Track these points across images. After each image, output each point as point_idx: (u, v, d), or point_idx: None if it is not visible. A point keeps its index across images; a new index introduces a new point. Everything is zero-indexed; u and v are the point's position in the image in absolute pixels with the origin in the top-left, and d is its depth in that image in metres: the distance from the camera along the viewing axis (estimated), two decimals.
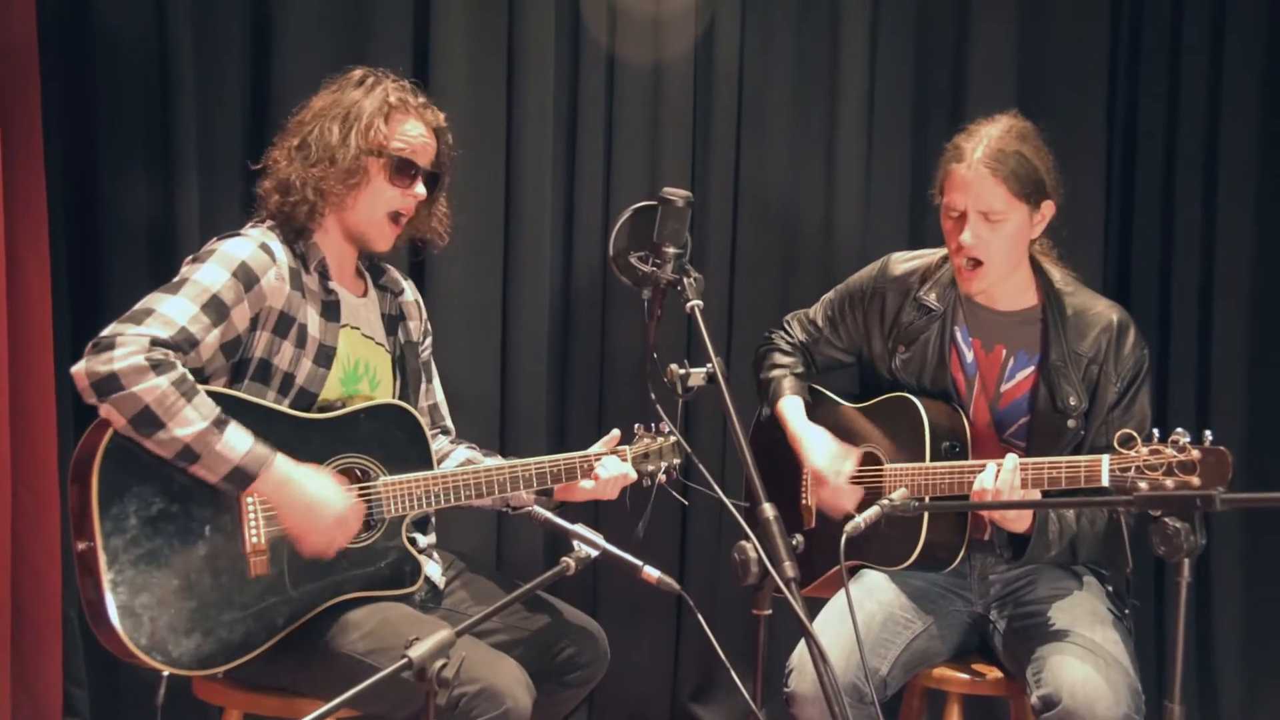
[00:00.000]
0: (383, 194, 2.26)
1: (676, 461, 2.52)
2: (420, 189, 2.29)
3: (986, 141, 2.34)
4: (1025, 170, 2.33)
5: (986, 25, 3.35)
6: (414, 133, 2.28)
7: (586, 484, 2.39)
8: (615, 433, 2.47)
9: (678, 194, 2.06)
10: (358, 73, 2.30)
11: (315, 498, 2.10)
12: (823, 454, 2.50)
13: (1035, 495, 2.28)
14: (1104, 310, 2.45)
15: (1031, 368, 2.45)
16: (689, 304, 2.03)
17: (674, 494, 2.51)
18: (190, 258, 2.18)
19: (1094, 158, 3.38)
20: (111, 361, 1.98)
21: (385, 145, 2.24)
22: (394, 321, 2.41)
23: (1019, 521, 2.34)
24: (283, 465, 2.08)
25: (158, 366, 2.00)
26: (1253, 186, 3.40)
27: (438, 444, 2.49)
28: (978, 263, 2.37)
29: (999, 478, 2.24)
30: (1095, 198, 3.38)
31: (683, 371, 1.99)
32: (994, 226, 2.34)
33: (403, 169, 2.26)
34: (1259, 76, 3.37)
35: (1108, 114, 3.42)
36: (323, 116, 2.24)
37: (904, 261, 2.58)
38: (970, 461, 2.37)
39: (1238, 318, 3.42)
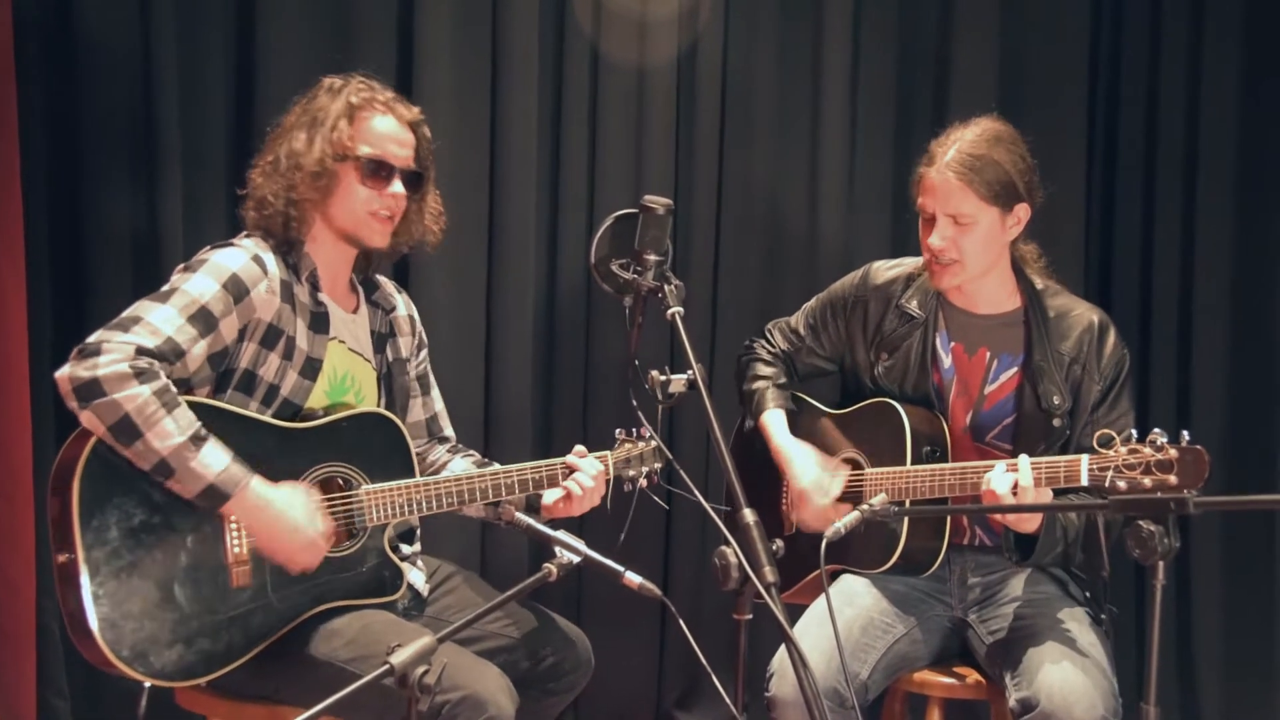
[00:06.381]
0: (357, 196, 2.23)
1: (658, 466, 2.51)
2: (397, 187, 2.25)
3: (957, 146, 2.37)
4: (994, 174, 2.35)
5: (968, 31, 3.39)
6: (382, 128, 2.24)
7: (575, 489, 2.33)
8: (579, 448, 2.43)
9: (658, 202, 2.07)
10: (328, 80, 2.28)
11: (288, 523, 2.08)
12: (808, 474, 2.51)
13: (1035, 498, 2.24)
14: (1085, 312, 2.48)
15: (1015, 369, 2.46)
16: (670, 311, 2.03)
17: (655, 499, 2.52)
18: (181, 266, 2.17)
19: (1075, 159, 3.42)
20: (95, 368, 1.97)
21: (351, 147, 2.21)
22: (383, 339, 2.39)
23: (1030, 521, 2.31)
24: (258, 488, 2.06)
25: (141, 375, 1.99)
26: (1231, 185, 3.43)
27: (435, 454, 2.48)
28: (950, 260, 2.39)
29: (1018, 482, 2.20)
30: (1076, 198, 3.41)
31: (664, 378, 2.01)
32: (963, 230, 2.37)
33: (374, 170, 2.23)
34: (1237, 76, 3.41)
35: (1088, 115, 3.45)
36: (292, 128, 2.24)
37: (886, 270, 2.60)
38: (950, 465, 2.39)
39: (1218, 318, 3.44)
